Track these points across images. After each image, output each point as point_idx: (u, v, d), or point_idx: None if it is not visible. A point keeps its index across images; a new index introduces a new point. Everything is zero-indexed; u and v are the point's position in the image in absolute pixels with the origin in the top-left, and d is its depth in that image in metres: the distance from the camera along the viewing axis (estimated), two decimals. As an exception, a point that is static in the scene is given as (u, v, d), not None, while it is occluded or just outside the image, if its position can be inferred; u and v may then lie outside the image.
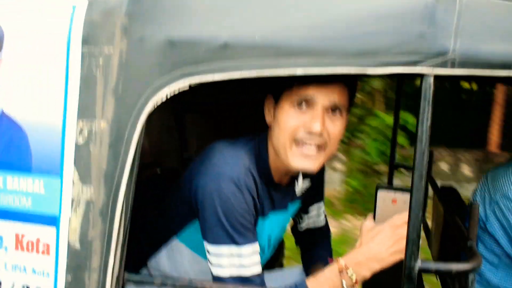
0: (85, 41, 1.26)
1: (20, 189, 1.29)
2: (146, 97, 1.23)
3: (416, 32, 1.16)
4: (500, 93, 7.36)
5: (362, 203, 6.01)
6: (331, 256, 1.80)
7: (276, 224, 1.60)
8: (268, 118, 1.47)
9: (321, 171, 1.65)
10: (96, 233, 1.26)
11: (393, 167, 2.49)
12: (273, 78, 1.22)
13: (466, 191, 4.80)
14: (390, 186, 1.37)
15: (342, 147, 6.52)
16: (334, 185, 6.54)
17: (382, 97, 7.01)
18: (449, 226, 1.78)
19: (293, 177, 1.60)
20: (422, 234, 1.26)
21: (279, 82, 1.38)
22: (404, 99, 2.69)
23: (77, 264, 1.27)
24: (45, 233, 1.28)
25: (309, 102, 1.36)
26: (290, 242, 2.08)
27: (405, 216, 1.21)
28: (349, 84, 1.40)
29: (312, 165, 1.40)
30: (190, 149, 2.66)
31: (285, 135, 1.38)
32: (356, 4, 1.21)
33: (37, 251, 1.28)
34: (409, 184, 1.41)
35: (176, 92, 1.23)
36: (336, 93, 1.36)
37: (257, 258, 1.38)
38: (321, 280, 1.33)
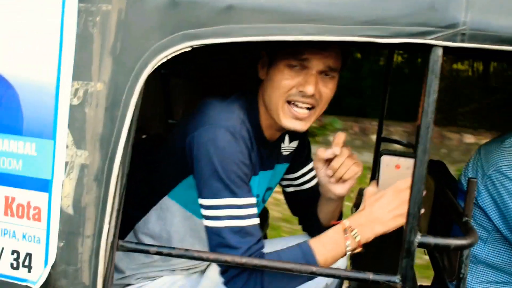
0: (82, -3, 1.19)
1: (10, 150, 1.23)
2: (146, 59, 1.18)
3: (427, 2, 1.13)
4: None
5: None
6: (332, 218, 1.79)
7: (263, 183, 1.60)
8: (261, 74, 1.49)
9: (306, 132, 1.66)
10: (90, 198, 1.21)
11: (380, 141, 2.49)
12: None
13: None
14: (394, 151, 1.37)
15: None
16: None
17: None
18: (439, 201, 1.79)
19: (281, 136, 1.62)
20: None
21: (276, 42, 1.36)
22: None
23: (70, 230, 1.23)
24: (36, 197, 1.23)
25: (304, 65, 1.39)
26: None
27: (408, 181, 1.21)
28: (344, 48, 1.44)
29: (302, 126, 1.45)
30: (175, 115, 2.61)
31: (278, 94, 1.42)
32: (367, -30, 1.18)
33: (28, 216, 1.24)
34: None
35: (177, 54, 1.19)
36: (331, 58, 1.40)
37: (254, 210, 1.37)
38: (325, 240, 1.33)
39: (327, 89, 1.43)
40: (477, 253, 1.76)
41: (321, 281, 1.71)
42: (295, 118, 1.42)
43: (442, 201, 1.70)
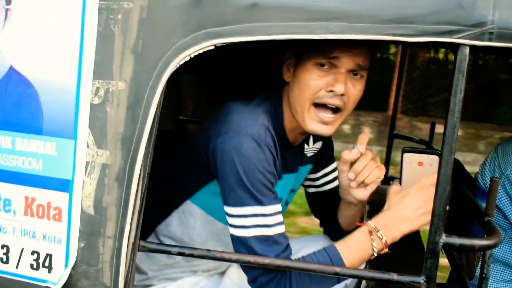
0: (103, -6, 1.17)
1: (30, 150, 1.22)
2: (168, 57, 1.16)
3: (455, 1, 1.11)
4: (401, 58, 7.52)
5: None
6: (353, 223, 1.77)
7: (287, 186, 1.58)
8: (287, 76, 1.45)
9: None
10: (111, 198, 1.20)
11: (393, 137, 2.47)
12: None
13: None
14: (416, 148, 1.36)
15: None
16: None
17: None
18: (456, 200, 1.77)
19: (305, 138, 1.58)
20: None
21: (302, 40, 1.34)
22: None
23: (91, 230, 1.21)
24: (56, 197, 1.21)
25: (333, 64, 1.35)
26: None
27: (433, 178, 1.20)
28: (373, 47, 1.40)
29: (327, 130, 1.41)
30: (186, 112, 2.59)
31: (305, 94, 1.38)
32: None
33: (48, 216, 1.22)
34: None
35: (200, 53, 1.17)
36: (360, 55, 1.36)
37: (280, 218, 1.35)
38: (351, 242, 1.32)
39: (356, 90, 1.39)
40: (494, 252, 1.75)
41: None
42: (321, 122, 1.38)
43: (460, 200, 1.69)
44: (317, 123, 1.39)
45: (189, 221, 1.52)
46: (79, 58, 1.18)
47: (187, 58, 1.16)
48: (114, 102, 1.19)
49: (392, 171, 2.54)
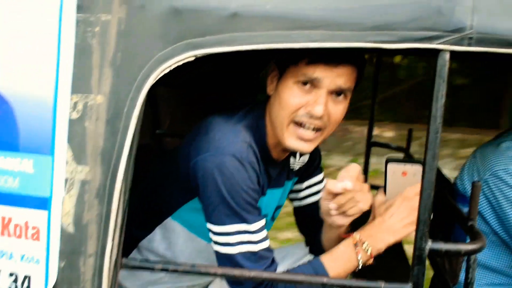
0: (80, 7, 1.14)
1: (5, 168, 1.17)
2: (148, 70, 1.14)
3: (434, 7, 1.12)
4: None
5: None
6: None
7: (273, 202, 1.55)
8: (270, 89, 1.41)
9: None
10: (92, 215, 1.16)
11: (370, 145, 2.48)
12: (280, 49, 1.15)
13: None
14: (399, 158, 1.36)
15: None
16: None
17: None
18: (438, 205, 1.78)
19: (291, 153, 1.54)
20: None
21: (286, 55, 1.32)
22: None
23: (71, 249, 1.17)
24: (34, 216, 1.17)
25: (314, 83, 1.31)
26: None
27: (417, 187, 1.19)
28: (359, 66, 1.35)
29: (307, 147, 1.37)
30: (163, 125, 2.56)
31: (285, 112, 1.34)
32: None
33: (26, 236, 1.18)
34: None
35: (180, 64, 1.15)
36: (343, 76, 1.31)
37: (264, 233, 1.33)
38: (336, 255, 1.31)
39: (337, 110, 1.34)
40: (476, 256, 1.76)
41: None
42: (300, 139, 1.34)
43: (442, 204, 1.70)
44: (296, 140, 1.35)
45: (172, 238, 1.49)
46: (56, 72, 1.14)
47: (167, 70, 1.14)
48: (93, 116, 1.16)
49: (371, 180, 2.55)
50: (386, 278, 1.21)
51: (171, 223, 1.49)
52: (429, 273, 1.55)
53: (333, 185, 1.31)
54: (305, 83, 1.31)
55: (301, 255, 1.63)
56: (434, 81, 1.13)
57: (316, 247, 1.64)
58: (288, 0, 1.14)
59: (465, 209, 1.48)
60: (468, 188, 1.74)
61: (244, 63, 2.23)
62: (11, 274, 1.19)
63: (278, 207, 1.63)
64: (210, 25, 1.13)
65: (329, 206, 1.35)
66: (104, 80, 1.15)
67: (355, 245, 1.28)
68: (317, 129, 1.34)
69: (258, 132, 1.40)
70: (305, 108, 1.32)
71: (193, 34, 1.13)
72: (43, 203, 1.17)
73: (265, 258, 1.30)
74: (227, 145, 1.30)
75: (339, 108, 1.35)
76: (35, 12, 1.14)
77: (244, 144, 1.32)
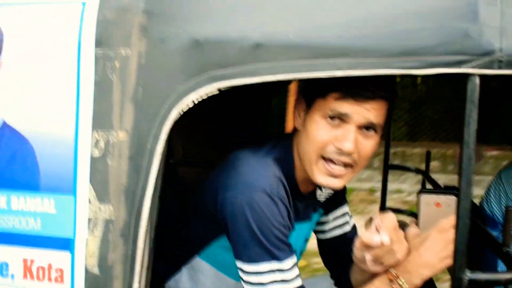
0: (99, 42, 1.12)
1: (27, 209, 1.14)
2: (170, 104, 1.11)
3: (461, 30, 1.09)
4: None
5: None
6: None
7: (301, 236, 1.50)
8: (297, 122, 1.36)
9: None
10: (117, 256, 1.13)
11: (388, 168, 2.43)
12: (307, 80, 1.12)
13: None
14: (432, 189, 1.32)
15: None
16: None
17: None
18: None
19: (317, 186, 1.49)
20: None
21: (314, 87, 1.28)
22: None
23: (96, 291, 1.14)
24: (58, 258, 1.14)
25: (343, 118, 1.25)
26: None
27: (452, 219, 1.15)
28: (389, 100, 1.30)
29: (338, 183, 1.31)
30: (176, 154, 2.53)
31: (313, 147, 1.28)
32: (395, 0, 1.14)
33: (49, 278, 1.14)
34: (409, 184, 1.37)
35: (204, 98, 1.12)
36: (373, 111, 1.25)
37: (297, 271, 1.28)
38: None
39: (367, 146, 1.28)
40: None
41: None
42: (330, 175, 1.29)
43: (472, 230, 1.65)
44: (326, 176, 1.29)
45: (200, 278, 1.44)
46: (76, 109, 1.12)
47: (191, 104, 1.11)
48: (115, 154, 1.13)
49: (390, 203, 2.50)
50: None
51: (199, 263, 1.45)
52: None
53: (369, 238, 1.22)
54: (333, 118, 1.26)
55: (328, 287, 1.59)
56: (465, 106, 1.10)
57: (344, 282, 1.59)
58: (311, 28, 1.11)
59: (494, 233, 1.43)
60: (496, 211, 1.69)
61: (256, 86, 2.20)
62: (34, 319, 1.16)
63: (306, 240, 1.58)
64: (232, 56, 1.10)
65: (365, 257, 1.27)
66: (125, 116, 1.12)
67: (391, 280, 1.23)
68: (347, 165, 1.29)
69: (287, 165, 1.36)
70: (333, 144, 1.26)
71: (215, 66, 1.10)
72: (66, 244, 1.13)
73: None
74: (256, 179, 1.25)
75: (369, 143, 1.29)
76: (53, 49, 1.12)
77: (274, 178, 1.27)
